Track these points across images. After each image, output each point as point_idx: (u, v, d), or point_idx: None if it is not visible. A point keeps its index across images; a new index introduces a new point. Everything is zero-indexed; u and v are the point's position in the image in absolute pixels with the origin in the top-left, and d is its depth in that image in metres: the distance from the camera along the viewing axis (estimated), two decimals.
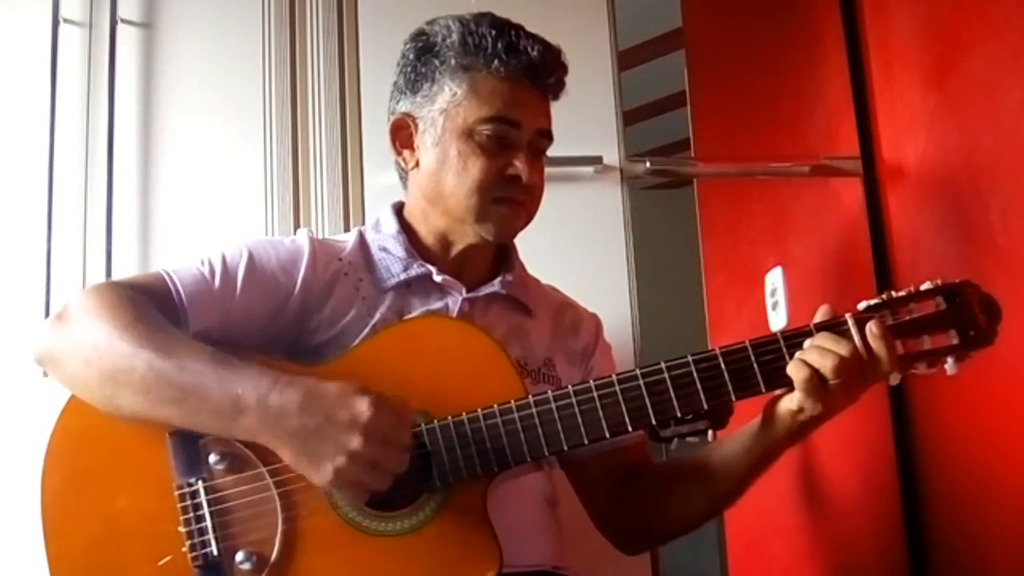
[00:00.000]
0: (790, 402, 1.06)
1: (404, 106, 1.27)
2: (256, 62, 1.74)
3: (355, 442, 0.97)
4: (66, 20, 1.69)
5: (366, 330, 1.18)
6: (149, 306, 1.08)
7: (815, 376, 1.02)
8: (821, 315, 1.08)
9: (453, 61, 1.22)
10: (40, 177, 1.63)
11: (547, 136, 1.26)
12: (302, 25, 1.77)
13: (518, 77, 1.21)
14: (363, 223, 1.56)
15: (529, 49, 1.21)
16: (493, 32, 1.21)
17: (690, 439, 1.59)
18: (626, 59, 1.92)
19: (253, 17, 1.76)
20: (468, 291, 1.24)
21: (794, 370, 1.03)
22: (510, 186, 1.21)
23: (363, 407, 0.99)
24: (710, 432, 1.58)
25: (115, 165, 1.66)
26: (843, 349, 1.02)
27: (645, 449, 1.33)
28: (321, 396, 1.00)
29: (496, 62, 1.20)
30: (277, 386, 1.01)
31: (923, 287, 1.06)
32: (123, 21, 1.71)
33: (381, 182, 1.70)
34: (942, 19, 1.52)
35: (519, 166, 1.20)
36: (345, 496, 1.03)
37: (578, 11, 1.79)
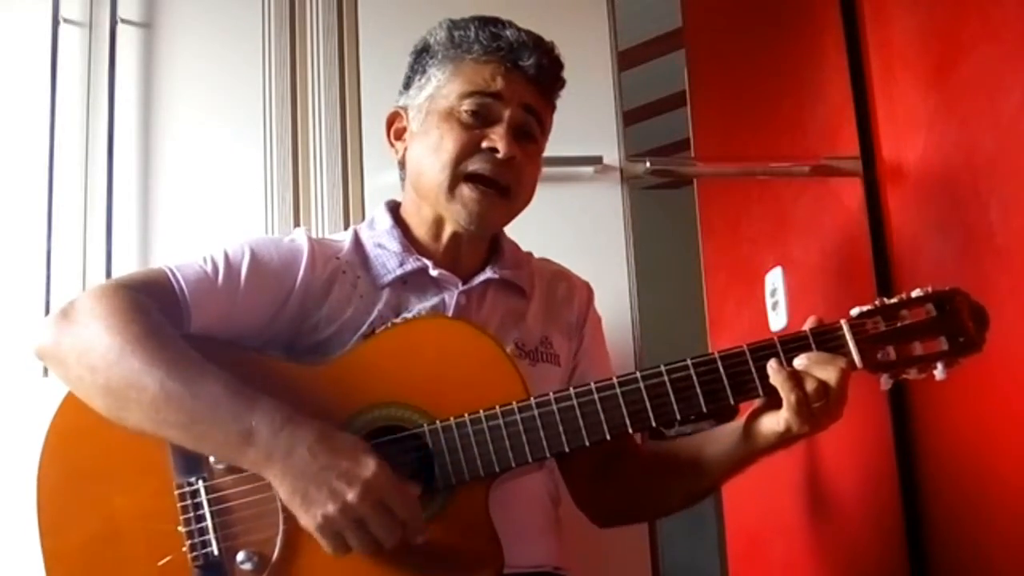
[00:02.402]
0: (776, 423, 1.06)
1: (400, 101, 1.31)
2: (256, 62, 1.74)
3: (351, 494, 0.96)
4: (66, 20, 1.69)
5: (364, 327, 1.18)
6: (159, 316, 1.07)
7: (806, 399, 1.03)
8: (810, 325, 1.08)
9: (440, 55, 1.25)
10: (40, 177, 1.63)
11: (534, 114, 1.24)
12: (302, 25, 1.77)
13: (499, 60, 1.22)
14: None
15: (509, 35, 1.23)
16: (477, 23, 1.24)
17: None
18: (626, 59, 1.92)
19: (253, 17, 1.76)
20: (463, 283, 1.25)
21: (787, 390, 1.03)
22: (485, 161, 1.20)
23: (370, 464, 0.98)
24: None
25: (115, 165, 1.66)
26: (832, 372, 1.03)
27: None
28: (332, 442, 1.00)
29: (477, 47, 1.22)
30: (290, 424, 1.00)
31: (914, 294, 1.07)
32: (123, 21, 1.71)
33: (381, 182, 1.70)
34: (942, 19, 1.52)
35: (495, 138, 1.19)
36: (327, 546, 0.99)
37: (578, 11, 1.79)
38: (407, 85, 1.30)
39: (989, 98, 1.41)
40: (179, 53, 1.73)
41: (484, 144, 1.20)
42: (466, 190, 1.20)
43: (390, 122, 1.32)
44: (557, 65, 1.27)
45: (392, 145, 1.32)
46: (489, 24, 1.24)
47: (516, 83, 1.22)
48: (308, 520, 0.98)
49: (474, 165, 1.20)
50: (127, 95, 1.70)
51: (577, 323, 1.34)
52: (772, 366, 1.04)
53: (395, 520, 0.98)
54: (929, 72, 1.55)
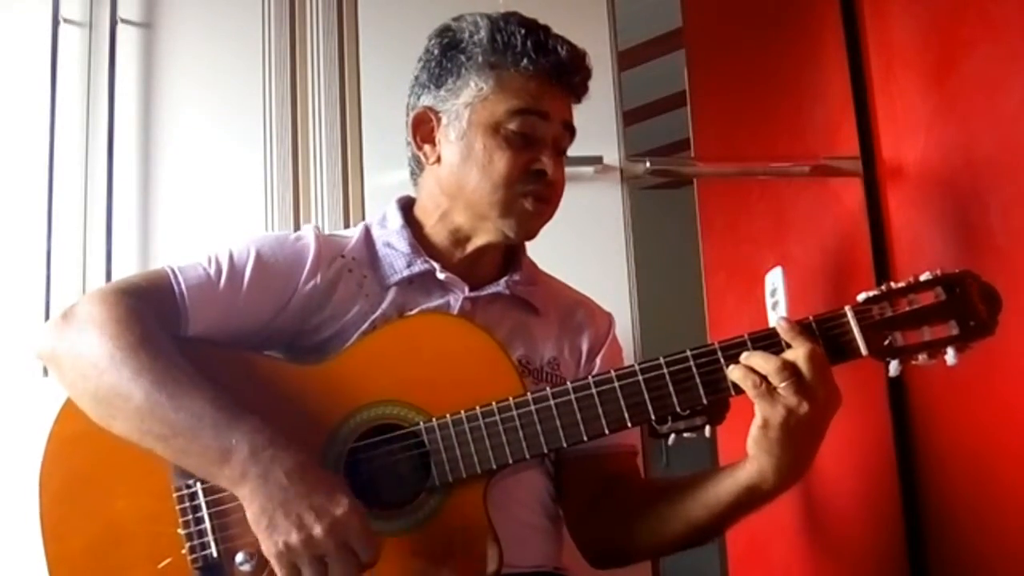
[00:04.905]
0: (756, 419, 1.02)
1: (426, 100, 1.26)
2: (256, 62, 1.75)
3: (317, 528, 0.95)
4: (66, 20, 1.69)
5: (366, 326, 1.17)
6: (155, 325, 1.07)
7: (763, 380, 1.00)
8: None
9: (480, 58, 1.21)
10: (40, 177, 1.64)
11: (571, 131, 1.26)
12: (302, 25, 1.77)
13: (546, 75, 1.21)
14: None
15: (558, 48, 1.21)
16: (522, 31, 1.21)
17: (687, 435, 1.58)
18: (626, 59, 1.92)
19: (253, 17, 1.76)
20: (471, 290, 1.24)
21: (741, 378, 1.01)
22: (535, 181, 1.21)
23: (343, 503, 0.97)
24: (707, 428, 1.58)
25: (115, 165, 1.67)
26: (798, 351, 1.00)
27: (635, 461, 1.31)
28: (309, 473, 0.99)
29: (525, 60, 1.20)
30: (272, 447, 0.99)
31: (922, 278, 1.05)
32: (123, 21, 1.71)
33: (381, 182, 1.70)
34: (942, 19, 1.52)
35: (546, 161, 1.20)
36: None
37: (578, 11, 1.79)
38: (437, 83, 1.24)
39: (989, 98, 1.41)
40: (179, 53, 1.73)
41: (534, 167, 1.20)
42: (521, 206, 1.20)
43: (416, 123, 1.26)
44: (589, 78, 1.27)
45: (420, 148, 1.26)
46: (533, 32, 1.21)
47: (558, 100, 1.23)
48: (268, 546, 0.97)
49: (526, 187, 1.20)
50: (127, 95, 1.70)
51: (590, 351, 1.31)
52: (730, 366, 1.03)
53: (357, 564, 0.97)
54: (929, 72, 1.55)
